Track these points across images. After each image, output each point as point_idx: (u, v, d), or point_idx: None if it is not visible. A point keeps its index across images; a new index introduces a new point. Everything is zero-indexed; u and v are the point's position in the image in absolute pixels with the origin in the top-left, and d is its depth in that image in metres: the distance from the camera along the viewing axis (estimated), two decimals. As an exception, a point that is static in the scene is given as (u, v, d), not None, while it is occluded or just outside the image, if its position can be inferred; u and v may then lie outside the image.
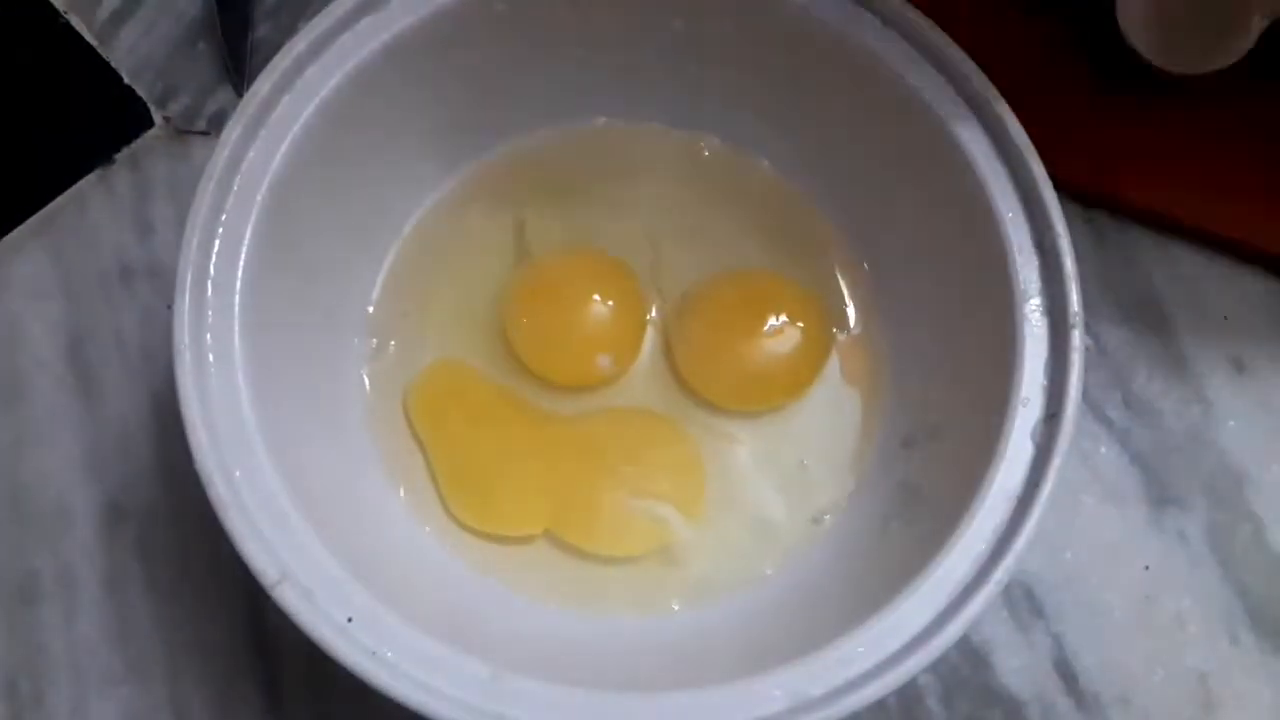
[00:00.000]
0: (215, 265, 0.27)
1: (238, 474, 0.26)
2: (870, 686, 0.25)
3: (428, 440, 0.31)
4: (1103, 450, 0.34)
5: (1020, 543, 0.26)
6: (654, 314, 0.33)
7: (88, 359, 0.34)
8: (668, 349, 0.33)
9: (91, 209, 0.36)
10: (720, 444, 0.32)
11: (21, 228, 0.35)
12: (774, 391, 0.32)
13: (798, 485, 0.32)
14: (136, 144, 0.36)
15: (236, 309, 0.27)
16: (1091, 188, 0.35)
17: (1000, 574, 0.26)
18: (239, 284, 0.27)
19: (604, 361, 0.32)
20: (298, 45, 0.29)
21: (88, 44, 0.37)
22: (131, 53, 0.37)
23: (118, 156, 0.36)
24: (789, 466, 0.32)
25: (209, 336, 0.27)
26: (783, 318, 0.32)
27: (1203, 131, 0.35)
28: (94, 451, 0.33)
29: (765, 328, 0.32)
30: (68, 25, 0.37)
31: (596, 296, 0.32)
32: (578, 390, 0.33)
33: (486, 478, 0.31)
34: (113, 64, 0.37)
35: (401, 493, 0.31)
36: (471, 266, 0.34)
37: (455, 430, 0.31)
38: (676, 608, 0.30)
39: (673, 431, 0.32)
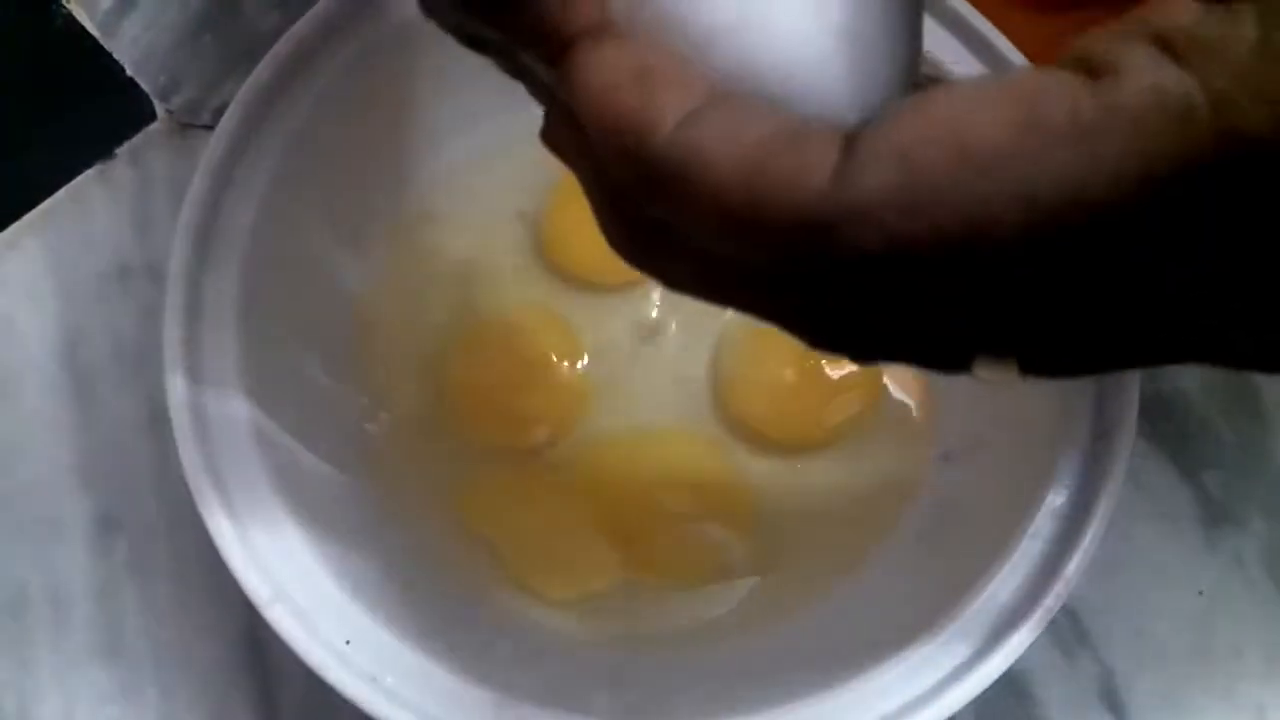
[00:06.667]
0: (211, 260, 0.26)
1: (230, 483, 0.25)
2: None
3: (497, 540, 0.30)
4: (1152, 465, 0.32)
5: (1071, 567, 0.24)
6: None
7: (83, 362, 0.33)
8: (715, 377, 0.31)
9: (90, 205, 0.35)
10: (755, 464, 0.31)
11: (18, 224, 0.35)
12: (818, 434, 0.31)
13: (827, 505, 0.30)
14: (138, 138, 0.35)
15: (233, 306, 0.26)
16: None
17: (1049, 601, 0.24)
18: (237, 280, 0.26)
19: (541, 435, 0.31)
20: (302, 30, 0.27)
21: (90, 35, 0.36)
22: (134, 44, 0.36)
23: (118, 151, 0.35)
24: (818, 484, 0.31)
25: (204, 335, 0.26)
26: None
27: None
28: (87, 459, 0.32)
29: (821, 375, 0.31)
30: (69, 16, 0.36)
31: (530, 368, 0.31)
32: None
33: (560, 551, 0.30)
34: (115, 56, 0.36)
35: (405, 504, 0.30)
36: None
37: (515, 523, 0.30)
38: (697, 638, 0.29)
39: (705, 449, 0.31)
